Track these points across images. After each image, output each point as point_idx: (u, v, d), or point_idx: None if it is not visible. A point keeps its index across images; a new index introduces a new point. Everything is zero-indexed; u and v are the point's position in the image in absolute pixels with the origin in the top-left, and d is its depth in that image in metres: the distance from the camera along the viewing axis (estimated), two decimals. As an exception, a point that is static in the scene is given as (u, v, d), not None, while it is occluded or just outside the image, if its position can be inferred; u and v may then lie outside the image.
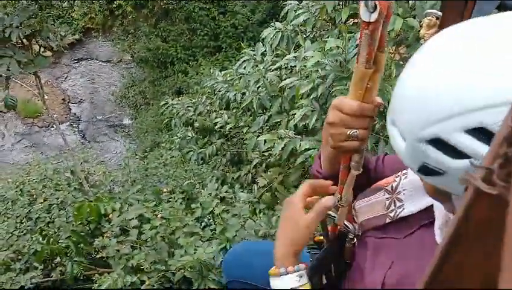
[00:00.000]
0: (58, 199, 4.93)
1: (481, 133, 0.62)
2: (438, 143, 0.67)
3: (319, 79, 2.89)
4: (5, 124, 11.29)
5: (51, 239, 3.74)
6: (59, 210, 4.65)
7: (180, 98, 5.68)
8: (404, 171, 1.04)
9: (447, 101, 0.63)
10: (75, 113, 12.08)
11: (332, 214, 1.10)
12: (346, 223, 1.13)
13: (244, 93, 4.00)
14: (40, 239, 3.79)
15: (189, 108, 4.95)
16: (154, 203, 3.56)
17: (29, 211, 5.14)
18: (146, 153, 7.34)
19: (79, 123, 11.88)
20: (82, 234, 3.69)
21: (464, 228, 0.33)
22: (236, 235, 2.89)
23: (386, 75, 2.78)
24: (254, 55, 3.86)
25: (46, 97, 5.21)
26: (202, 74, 10.91)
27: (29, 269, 3.69)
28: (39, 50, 4.79)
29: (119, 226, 3.44)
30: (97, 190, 5.23)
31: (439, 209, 0.90)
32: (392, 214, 1.02)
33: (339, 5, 3.37)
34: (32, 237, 3.97)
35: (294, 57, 3.18)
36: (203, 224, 3.34)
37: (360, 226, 1.09)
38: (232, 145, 4.83)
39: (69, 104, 12.19)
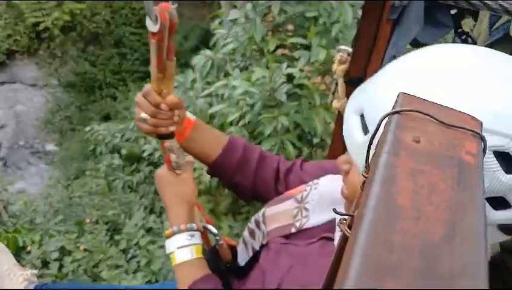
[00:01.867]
0: (-30, 232, 4.56)
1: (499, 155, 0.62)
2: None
3: (247, 107, 2.92)
4: None
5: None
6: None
7: (107, 124, 5.51)
8: (316, 181, 1.05)
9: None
10: (-5, 139, 11.35)
11: (209, 227, 1.19)
12: (206, 225, 1.20)
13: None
14: None
15: (116, 134, 4.80)
16: (77, 234, 3.39)
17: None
18: (70, 182, 7.00)
19: (0, 149, 11.15)
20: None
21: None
22: (162, 267, 2.80)
23: (311, 104, 2.87)
24: (184, 82, 3.83)
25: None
26: (131, 100, 10.71)
27: None
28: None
29: (39, 258, 3.24)
30: (16, 221, 4.89)
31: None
32: (298, 224, 1.01)
33: (266, 35, 3.45)
34: None
35: (224, 84, 3.20)
36: (128, 256, 3.20)
37: (267, 233, 1.08)
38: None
39: (-11, 129, 11.45)
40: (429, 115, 0.38)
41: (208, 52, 3.82)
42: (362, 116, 0.71)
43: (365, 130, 0.71)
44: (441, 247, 0.27)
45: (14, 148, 11.33)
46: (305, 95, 3.05)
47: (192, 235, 1.08)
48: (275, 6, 3.17)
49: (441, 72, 0.66)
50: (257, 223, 1.12)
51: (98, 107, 11.20)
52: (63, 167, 10.31)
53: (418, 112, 0.38)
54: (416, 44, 3.22)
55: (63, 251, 3.25)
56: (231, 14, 3.54)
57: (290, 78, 3.12)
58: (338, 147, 1.88)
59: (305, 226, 1.00)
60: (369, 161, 0.40)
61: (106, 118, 10.62)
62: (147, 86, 1.06)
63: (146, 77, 12.11)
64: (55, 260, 3.14)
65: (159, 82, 1.04)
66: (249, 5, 3.36)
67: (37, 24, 11.69)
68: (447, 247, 0.27)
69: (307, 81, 3.09)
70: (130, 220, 3.59)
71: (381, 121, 0.41)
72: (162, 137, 1.11)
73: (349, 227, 0.39)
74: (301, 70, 3.16)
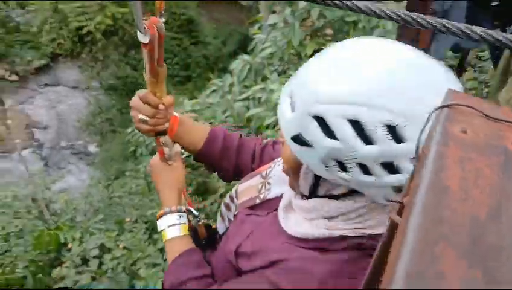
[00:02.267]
0: (16, 226, 4.76)
1: (354, 124, 0.77)
2: (321, 121, 0.80)
3: (285, 111, 2.94)
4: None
5: (7, 269, 3.59)
6: (17, 238, 4.48)
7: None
8: (279, 158, 1.16)
9: (341, 90, 0.77)
10: (38, 139, 11.75)
11: (191, 210, 1.33)
12: (189, 208, 1.34)
13: (211, 123, 4.01)
14: (-4, 269, 3.64)
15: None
16: (117, 232, 3.48)
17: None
18: (110, 182, 7.20)
19: (42, 149, 11.56)
20: (40, 263, 3.56)
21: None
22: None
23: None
24: (222, 86, 3.90)
25: (9, 122, 5.08)
26: (171, 103, 10.91)
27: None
28: (9, 74, 4.70)
29: (79, 255, 3.34)
30: (58, 219, 5.08)
31: (287, 193, 1.06)
32: (261, 196, 1.16)
33: (304, 39, 3.47)
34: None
35: (261, 88, 3.24)
36: (165, 255, 3.28)
37: (238, 206, 1.24)
38: (198, 175, 4.80)
39: (33, 129, 11.89)
40: (475, 109, 0.40)
41: (245, 56, 3.87)
42: (291, 97, 0.85)
43: (293, 107, 0.84)
44: (487, 224, 0.29)
45: (56, 148, 11.73)
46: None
47: (180, 216, 1.27)
48: (314, 11, 3.19)
49: (341, 59, 0.81)
50: (231, 198, 1.29)
51: (137, 111, 11.46)
52: (104, 168, 10.61)
53: (465, 106, 0.41)
54: (458, 49, 3.16)
55: (103, 249, 3.35)
56: (270, 19, 3.59)
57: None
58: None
59: (267, 198, 1.15)
60: (418, 152, 0.44)
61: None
62: (142, 91, 1.20)
63: (185, 81, 12.34)
64: (94, 257, 3.24)
65: (153, 86, 1.18)
66: (287, 10, 3.39)
67: (80, 28, 12.11)
68: (492, 225, 0.29)
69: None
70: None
71: (430, 115, 0.46)
72: (158, 134, 1.27)
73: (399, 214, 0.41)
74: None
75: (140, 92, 1.20)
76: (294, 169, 0.95)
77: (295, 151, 0.88)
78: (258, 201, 1.16)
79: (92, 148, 11.81)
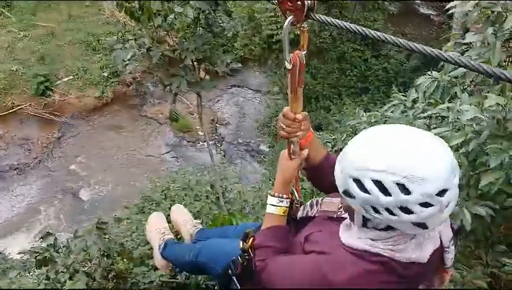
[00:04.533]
0: (195, 208, 5.35)
1: (378, 184, 1.28)
2: (357, 181, 1.32)
3: (472, 134, 2.76)
4: (159, 134, 12.57)
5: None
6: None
7: (320, 133, 5.80)
8: None
9: (369, 161, 1.30)
10: (220, 134, 12.96)
11: (294, 193, 1.91)
12: (294, 191, 1.91)
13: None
14: (174, 243, 4.12)
15: (327, 143, 5.04)
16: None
17: (169, 215, 5.64)
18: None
19: (222, 143, 12.70)
20: (213, 244, 3.94)
21: None
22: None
23: None
24: (405, 100, 3.81)
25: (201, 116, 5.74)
26: (344, 113, 10.96)
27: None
28: (205, 74, 5.32)
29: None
30: (230, 207, 5.55)
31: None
32: (338, 213, 1.74)
33: (505, 61, 3.20)
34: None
35: (448, 107, 3.09)
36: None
37: (318, 211, 1.85)
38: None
39: (217, 124, 13.14)
40: None
41: (434, 73, 3.72)
42: (341, 163, 1.41)
43: (341, 171, 1.40)
44: None
45: (233, 143, 12.77)
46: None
47: (281, 201, 1.80)
48: (521, 31, 2.92)
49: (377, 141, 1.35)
50: (316, 202, 1.89)
51: (311, 117, 11.76)
52: (272, 167, 11.22)
53: None
54: None
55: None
56: (467, 37, 3.38)
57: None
58: None
59: (341, 216, 1.69)
60: None
61: (318, 128, 11.15)
62: (285, 108, 1.71)
63: (361, 93, 12.30)
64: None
65: (292, 102, 1.66)
66: (489, 29, 3.16)
67: (271, 36, 12.97)
68: None
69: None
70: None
71: None
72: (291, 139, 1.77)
73: None
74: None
75: (284, 109, 1.72)
76: (349, 211, 1.49)
77: (346, 200, 1.42)
78: (334, 215, 1.75)
79: (264, 147, 12.53)
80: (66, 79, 12.93)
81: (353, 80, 12.30)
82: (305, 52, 1.56)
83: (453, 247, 1.56)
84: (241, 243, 1.84)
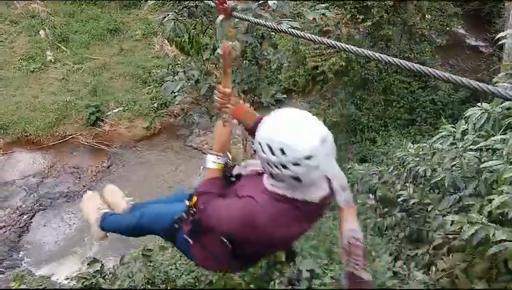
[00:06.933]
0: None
1: (269, 148, 1.87)
2: (260, 145, 1.90)
3: (527, 167, 2.66)
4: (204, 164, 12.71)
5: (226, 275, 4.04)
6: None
7: (366, 165, 5.71)
8: None
9: (266, 134, 1.91)
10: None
11: (228, 154, 2.39)
12: (228, 153, 2.39)
13: (435, 170, 3.85)
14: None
15: (374, 175, 4.95)
16: (326, 261, 3.61)
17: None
18: (323, 213, 7.43)
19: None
20: (255, 275, 3.91)
21: None
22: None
23: None
24: (454, 132, 3.72)
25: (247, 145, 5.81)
26: (391, 145, 10.77)
27: None
28: (250, 104, 5.40)
29: (288, 276, 3.56)
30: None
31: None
32: (261, 170, 2.16)
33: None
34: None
35: (502, 139, 2.99)
36: (372, 293, 3.25)
37: (250, 170, 2.30)
38: (413, 221, 4.62)
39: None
40: None
41: (484, 104, 3.63)
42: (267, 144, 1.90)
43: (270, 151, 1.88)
44: None
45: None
46: None
47: (218, 158, 2.32)
48: None
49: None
50: (248, 164, 2.33)
51: (356, 148, 11.71)
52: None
53: None
54: None
55: (313, 273, 3.50)
56: (519, 67, 3.30)
57: None
58: None
59: (260, 171, 2.17)
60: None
61: (363, 159, 10.99)
62: (218, 85, 2.38)
63: (408, 124, 12.07)
64: (305, 278, 3.40)
65: (224, 80, 2.32)
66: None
67: (315, 68, 13.04)
68: None
69: None
70: (376, 260, 3.63)
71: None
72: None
73: None
74: None
75: (218, 88, 2.37)
76: (264, 167, 1.99)
77: (258, 157, 1.98)
78: (261, 171, 2.14)
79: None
80: (116, 110, 13.45)
81: (400, 111, 12.11)
82: (233, 42, 2.32)
83: (346, 192, 2.00)
84: (187, 201, 2.38)
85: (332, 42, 1.87)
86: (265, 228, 1.96)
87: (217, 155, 2.30)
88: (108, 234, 3.08)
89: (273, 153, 1.84)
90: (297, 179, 1.87)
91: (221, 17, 2.19)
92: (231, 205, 2.08)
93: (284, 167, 1.84)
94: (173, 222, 2.42)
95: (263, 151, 1.88)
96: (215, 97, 2.33)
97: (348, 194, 2.03)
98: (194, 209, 2.29)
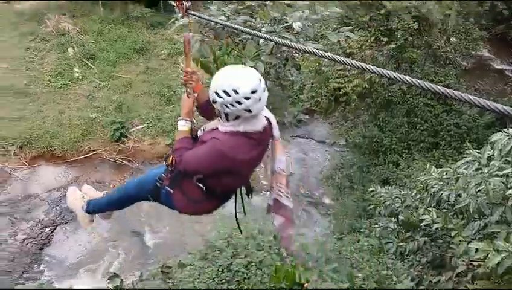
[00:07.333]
0: (257, 258, 5.32)
1: (224, 92, 2.53)
2: (216, 93, 2.58)
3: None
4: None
5: (246, 295, 4.03)
6: (256, 269, 4.99)
7: (389, 188, 5.64)
8: None
9: (220, 82, 2.59)
10: (283, 184, 12.91)
11: (193, 121, 2.99)
12: (192, 119, 2.96)
13: (459, 195, 3.79)
14: (236, 292, 4.11)
15: (396, 199, 4.89)
16: (347, 285, 3.56)
17: (231, 263, 5.64)
18: (343, 235, 7.38)
19: (285, 193, 12.61)
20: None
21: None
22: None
23: None
24: (479, 157, 3.67)
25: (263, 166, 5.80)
26: (414, 168, 10.63)
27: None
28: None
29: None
30: (293, 259, 5.47)
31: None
32: (214, 127, 2.76)
33: None
34: (228, 288, 4.33)
35: (528, 166, 2.94)
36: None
37: (207, 128, 2.85)
38: (436, 247, 4.54)
39: (281, 174, 13.13)
40: None
41: (511, 130, 3.58)
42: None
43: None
44: None
45: (297, 194, 12.64)
46: None
47: (186, 122, 2.91)
48: None
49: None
50: (204, 128, 2.87)
51: (379, 171, 11.58)
52: (336, 221, 10.98)
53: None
54: None
55: (333, 297, 3.45)
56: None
57: None
58: None
59: (217, 127, 2.72)
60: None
61: (385, 182, 10.86)
62: (183, 66, 3.44)
63: (432, 148, 11.90)
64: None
65: (186, 61, 3.09)
66: None
67: (338, 89, 13.06)
68: None
69: None
70: (399, 286, 3.57)
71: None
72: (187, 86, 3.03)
73: None
74: None
75: (184, 68, 3.05)
76: (219, 112, 2.65)
77: (215, 105, 2.62)
78: (214, 127, 2.73)
79: (328, 200, 12.32)
80: (140, 127, 13.66)
81: (423, 134, 11.96)
82: (191, 33, 3.14)
83: (277, 129, 2.93)
84: (164, 162, 2.87)
85: (357, 63, 1.88)
86: (231, 154, 2.58)
87: (185, 119, 2.91)
88: (94, 218, 3.51)
89: (228, 95, 2.48)
90: (248, 110, 2.52)
91: (180, 14, 3.22)
92: (200, 149, 2.70)
93: (238, 102, 2.48)
94: (155, 182, 2.94)
95: (220, 97, 2.52)
96: (181, 76, 3.02)
97: (278, 131, 2.91)
98: (172, 167, 2.82)
